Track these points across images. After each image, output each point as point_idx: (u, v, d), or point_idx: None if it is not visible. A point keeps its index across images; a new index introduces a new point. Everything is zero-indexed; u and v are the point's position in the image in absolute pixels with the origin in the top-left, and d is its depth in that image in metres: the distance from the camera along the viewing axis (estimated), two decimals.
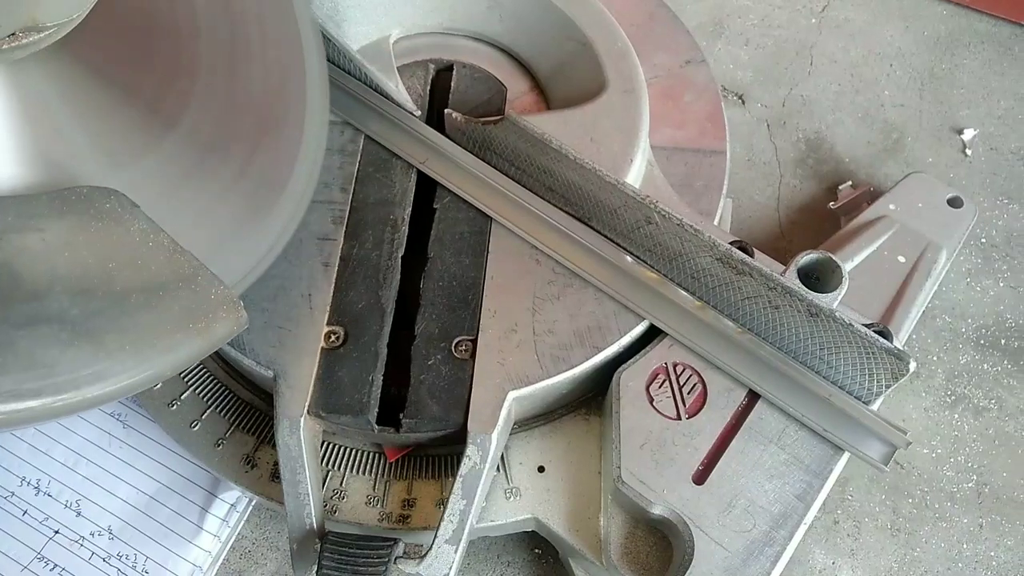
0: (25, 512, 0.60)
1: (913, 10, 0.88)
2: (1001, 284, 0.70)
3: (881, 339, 0.46)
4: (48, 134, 0.40)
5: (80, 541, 0.59)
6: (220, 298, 0.41)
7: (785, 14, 0.88)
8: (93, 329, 0.35)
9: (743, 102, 0.81)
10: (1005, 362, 0.67)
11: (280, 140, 0.51)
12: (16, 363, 0.32)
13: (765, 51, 0.85)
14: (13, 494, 0.61)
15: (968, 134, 0.79)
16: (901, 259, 0.64)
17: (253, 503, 0.60)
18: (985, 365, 0.66)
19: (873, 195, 0.72)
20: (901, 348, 0.46)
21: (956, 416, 0.64)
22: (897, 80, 0.83)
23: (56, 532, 0.59)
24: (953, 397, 0.65)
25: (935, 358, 0.67)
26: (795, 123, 0.80)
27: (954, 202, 0.68)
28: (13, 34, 0.34)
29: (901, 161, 0.77)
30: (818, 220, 0.74)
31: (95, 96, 0.44)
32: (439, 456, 0.55)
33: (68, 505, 0.60)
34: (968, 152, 0.78)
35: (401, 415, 0.51)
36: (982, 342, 0.67)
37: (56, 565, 0.58)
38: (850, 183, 0.74)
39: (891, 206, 0.68)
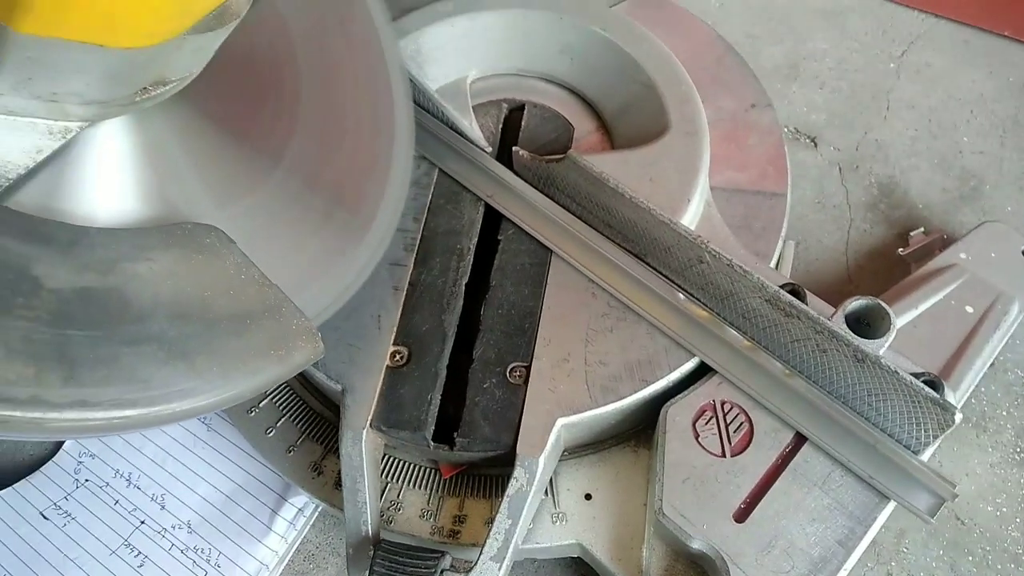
0: (116, 502, 0.66)
1: (997, 55, 0.86)
2: None
3: (927, 388, 0.46)
4: (165, 174, 0.45)
5: (162, 532, 0.64)
6: (300, 328, 0.45)
7: (863, 58, 0.88)
8: (187, 350, 0.39)
9: (815, 145, 0.81)
10: None
11: (370, 177, 0.56)
12: (119, 376, 0.36)
13: (840, 94, 0.85)
14: (108, 484, 0.67)
15: None
16: (969, 309, 0.63)
17: (319, 509, 0.64)
18: None
19: (945, 242, 0.71)
20: (946, 400, 0.46)
21: None
22: (977, 126, 0.81)
23: (142, 522, 0.65)
24: (1022, 455, 0.63)
25: (1004, 413, 0.65)
26: (868, 167, 0.80)
27: None
28: (145, 88, 0.39)
29: (978, 209, 0.76)
30: (887, 266, 0.73)
31: (209, 138, 0.49)
32: (491, 476, 0.57)
33: (154, 498, 0.66)
34: None
35: (455, 434, 0.54)
36: None
37: (140, 552, 0.64)
38: (922, 229, 0.73)
39: (962, 255, 0.67)
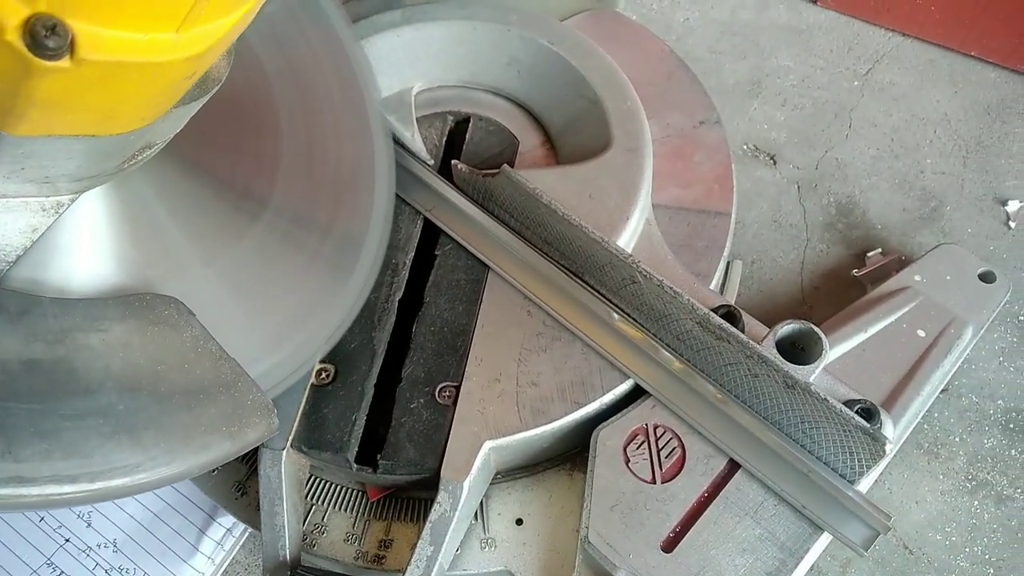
0: (42, 519, 0.64)
1: (963, 75, 0.85)
2: None
3: (857, 418, 0.44)
4: (145, 235, 0.44)
5: (87, 551, 0.62)
6: (255, 404, 0.43)
7: (827, 75, 0.86)
8: (134, 425, 0.38)
9: (774, 162, 0.80)
10: None
11: (356, 205, 0.55)
12: (59, 451, 0.35)
13: (802, 112, 0.84)
14: None
15: (1013, 206, 0.75)
16: (921, 333, 0.61)
17: (248, 531, 0.62)
18: (1013, 451, 0.62)
19: (903, 264, 0.69)
20: (877, 429, 0.44)
21: (976, 503, 0.60)
22: (940, 147, 0.80)
23: (67, 540, 0.63)
24: (974, 482, 0.61)
25: (957, 439, 0.63)
26: (827, 186, 0.78)
27: (986, 277, 0.65)
28: (132, 156, 0.38)
29: (937, 231, 0.74)
30: (843, 287, 0.71)
31: (192, 188, 0.48)
32: (420, 499, 0.55)
33: (80, 516, 0.64)
34: (1012, 224, 0.74)
35: (379, 456, 0.52)
36: (1011, 426, 0.63)
37: (63, 572, 0.62)
38: (880, 250, 0.72)
39: (917, 277, 0.65)
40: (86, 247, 0.41)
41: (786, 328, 0.48)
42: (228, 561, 0.62)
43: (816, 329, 0.48)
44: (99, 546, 0.62)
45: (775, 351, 0.47)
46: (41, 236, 0.37)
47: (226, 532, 0.62)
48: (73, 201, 0.37)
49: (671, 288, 0.49)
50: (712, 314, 0.48)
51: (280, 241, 0.50)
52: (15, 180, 0.34)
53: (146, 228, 0.44)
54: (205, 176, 0.48)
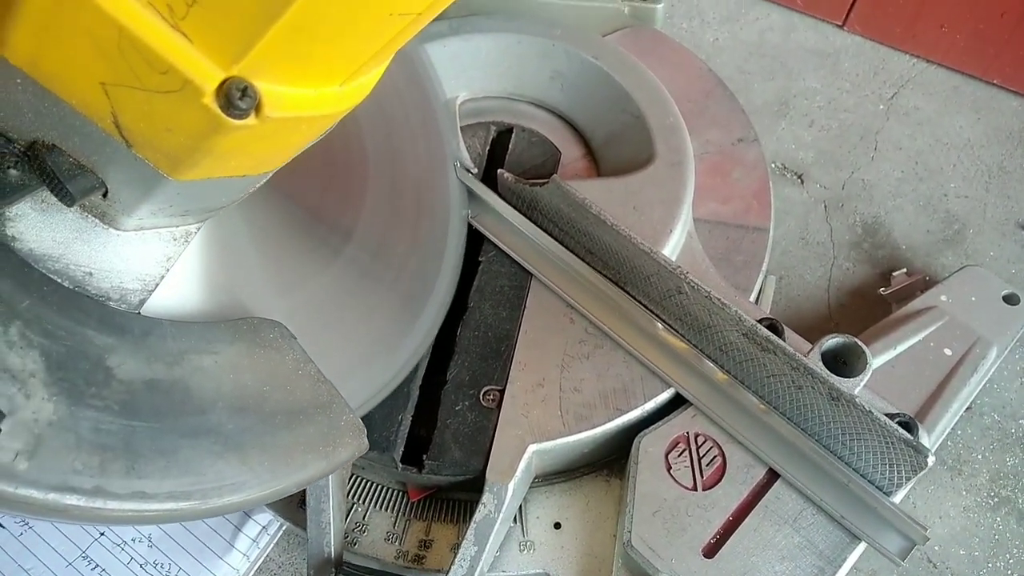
0: None
1: (986, 102, 0.87)
2: None
3: (901, 430, 0.46)
4: (231, 264, 0.46)
5: (122, 545, 0.63)
6: (348, 425, 0.45)
7: (853, 98, 0.88)
8: (242, 444, 0.39)
9: (802, 181, 0.82)
10: None
11: (432, 237, 0.57)
12: (177, 468, 0.37)
13: (829, 133, 0.86)
14: None
15: None
16: (948, 352, 0.63)
17: (283, 528, 0.63)
18: None
19: (927, 284, 0.71)
20: (919, 442, 0.46)
21: (999, 519, 0.62)
22: (963, 171, 0.82)
23: (102, 534, 0.63)
24: (997, 499, 0.62)
25: (980, 457, 0.64)
26: (853, 206, 0.80)
27: (1010, 299, 0.67)
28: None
29: (961, 253, 0.76)
30: (868, 305, 0.73)
31: (282, 220, 0.49)
32: (460, 501, 0.56)
33: None
34: None
35: (425, 456, 0.53)
36: None
37: (97, 565, 0.62)
38: (904, 270, 0.74)
39: (943, 297, 0.67)
40: (179, 273, 0.42)
41: (831, 342, 0.50)
42: (263, 559, 0.62)
43: (860, 343, 0.49)
44: (134, 540, 0.63)
45: (820, 363, 0.48)
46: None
47: (261, 530, 0.63)
48: (199, 229, 0.39)
49: (719, 299, 0.50)
50: (759, 326, 0.49)
51: (360, 275, 0.52)
52: (159, 215, 0.36)
53: (236, 257, 0.46)
54: (294, 207, 0.50)
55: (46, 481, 0.32)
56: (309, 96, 0.30)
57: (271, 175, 0.38)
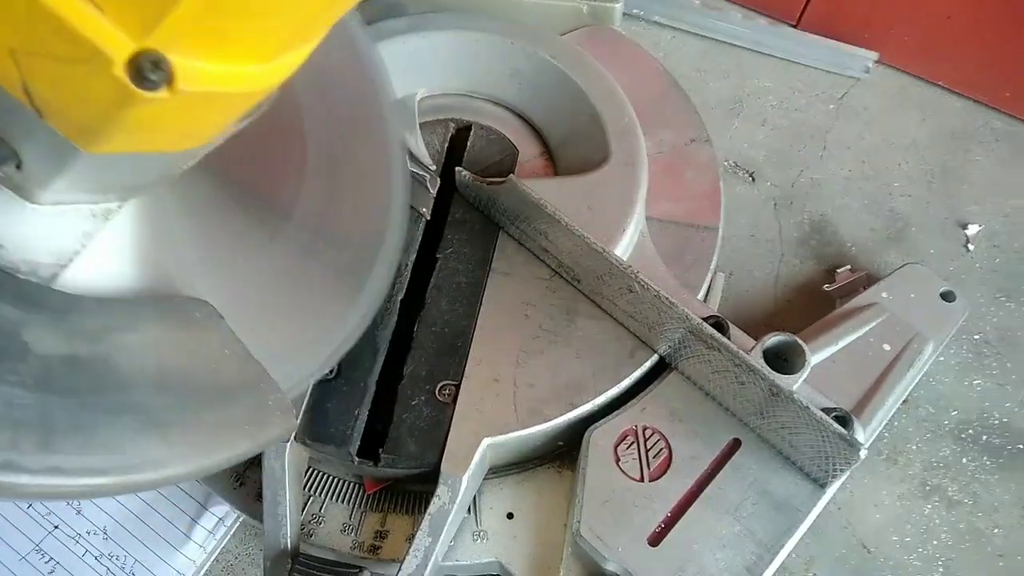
0: (30, 505, 0.64)
1: (931, 103, 0.90)
2: (989, 381, 0.71)
3: (836, 425, 0.48)
4: (165, 241, 0.45)
5: (76, 538, 0.63)
6: (276, 404, 0.45)
7: (804, 98, 0.91)
8: (163, 422, 0.39)
9: (753, 179, 0.84)
10: (984, 458, 0.67)
11: (375, 212, 0.56)
12: (95, 444, 0.36)
13: (780, 132, 0.88)
14: None
15: (972, 229, 0.80)
16: (886, 347, 0.66)
17: (240, 520, 0.63)
18: (964, 459, 0.67)
19: (870, 281, 0.74)
20: (853, 436, 0.48)
21: (929, 507, 0.65)
22: (908, 171, 0.85)
23: (56, 527, 0.64)
24: (928, 487, 0.66)
25: (914, 447, 0.68)
26: (802, 204, 0.82)
27: (947, 296, 0.69)
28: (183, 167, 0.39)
29: (903, 251, 0.79)
30: (814, 301, 0.75)
31: (216, 199, 0.49)
32: (415, 492, 0.58)
33: (70, 503, 0.64)
34: (971, 247, 0.79)
35: (381, 450, 0.54)
36: (963, 436, 0.68)
37: (52, 559, 0.62)
38: (849, 267, 0.76)
39: (884, 294, 0.70)
40: (108, 249, 0.42)
41: (773, 340, 0.52)
42: (219, 550, 0.63)
43: (800, 342, 0.51)
44: (89, 533, 0.63)
45: (762, 360, 0.51)
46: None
47: (218, 521, 0.63)
48: (121, 207, 0.39)
49: (667, 298, 0.52)
50: (705, 324, 0.51)
51: (297, 254, 0.52)
52: (76, 191, 0.35)
53: (167, 234, 0.45)
54: (231, 186, 0.49)
55: None
56: (228, 72, 0.30)
57: (200, 155, 0.38)
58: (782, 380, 0.50)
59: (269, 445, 0.46)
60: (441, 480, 0.52)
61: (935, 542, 0.63)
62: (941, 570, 0.62)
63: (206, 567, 0.62)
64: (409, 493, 0.58)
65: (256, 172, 0.51)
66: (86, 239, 0.38)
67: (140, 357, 0.39)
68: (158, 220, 0.44)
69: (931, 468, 0.67)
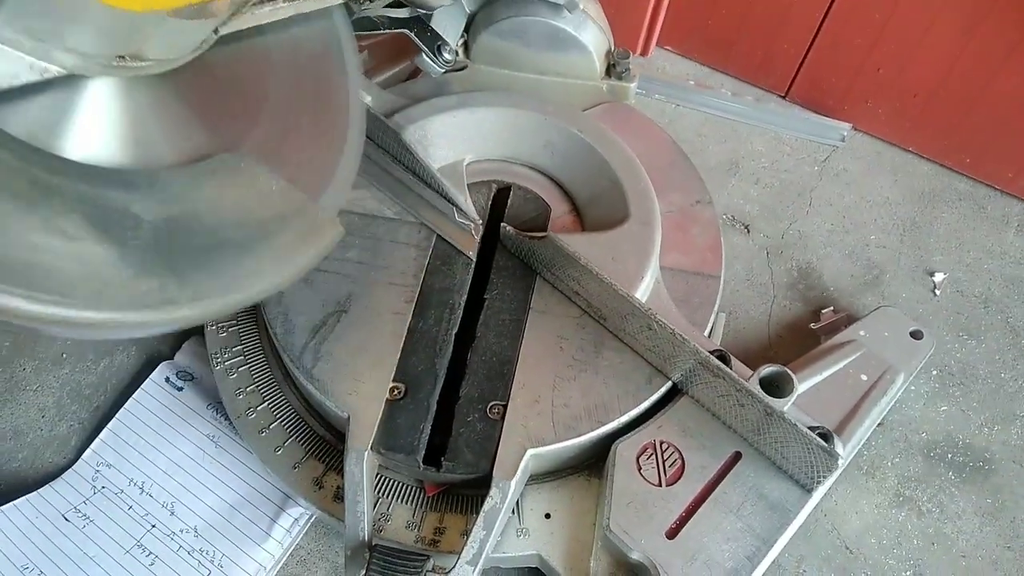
0: (130, 507, 0.75)
1: (903, 167, 1.04)
2: (953, 407, 0.83)
3: (819, 439, 0.59)
4: (140, 134, 0.54)
5: (171, 535, 0.73)
6: (325, 219, 0.57)
7: (792, 160, 1.04)
8: (251, 248, 0.52)
9: (748, 231, 0.96)
10: (950, 474, 0.78)
11: (325, 164, 0.64)
12: (215, 274, 0.49)
13: (772, 190, 1.01)
14: (123, 491, 0.76)
15: (939, 277, 0.93)
16: (863, 377, 0.77)
17: (312, 519, 0.74)
18: (931, 475, 0.78)
19: (850, 320, 0.85)
20: (833, 448, 0.59)
21: (903, 515, 0.76)
22: (883, 225, 0.98)
23: (153, 526, 0.74)
24: (901, 498, 0.77)
25: (889, 463, 0.79)
26: (791, 253, 0.95)
27: (916, 334, 0.81)
28: (122, 56, 0.48)
29: (878, 294, 0.91)
30: (802, 337, 0.87)
31: (181, 116, 0.57)
32: (468, 495, 0.68)
33: (164, 505, 0.75)
34: (937, 292, 0.92)
35: (442, 458, 0.65)
36: (931, 454, 0.79)
37: (151, 552, 0.72)
38: (832, 308, 0.88)
39: (861, 332, 0.81)
40: (96, 127, 0.51)
41: (767, 370, 0.63)
42: (294, 546, 0.73)
43: (789, 372, 0.63)
44: (182, 531, 0.73)
45: (759, 387, 0.62)
46: (58, 110, 0.47)
47: (293, 521, 0.74)
48: (60, 78, 0.45)
49: (680, 335, 0.63)
50: (711, 357, 0.63)
51: (279, 138, 0.61)
52: (15, 27, 0.42)
53: (141, 131, 0.54)
54: (195, 112, 0.57)
55: (127, 304, 0.44)
56: None
57: (136, 47, 0.46)
58: (775, 403, 0.61)
59: (329, 251, 0.57)
60: (493, 484, 0.63)
61: (907, 545, 0.74)
62: (912, 570, 0.73)
63: (283, 561, 0.72)
64: (462, 496, 0.68)
65: (217, 110, 0.59)
66: (14, 80, 0.44)
67: (215, 205, 0.52)
68: (136, 113, 0.53)
69: (904, 481, 0.78)
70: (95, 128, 0.51)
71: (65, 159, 0.47)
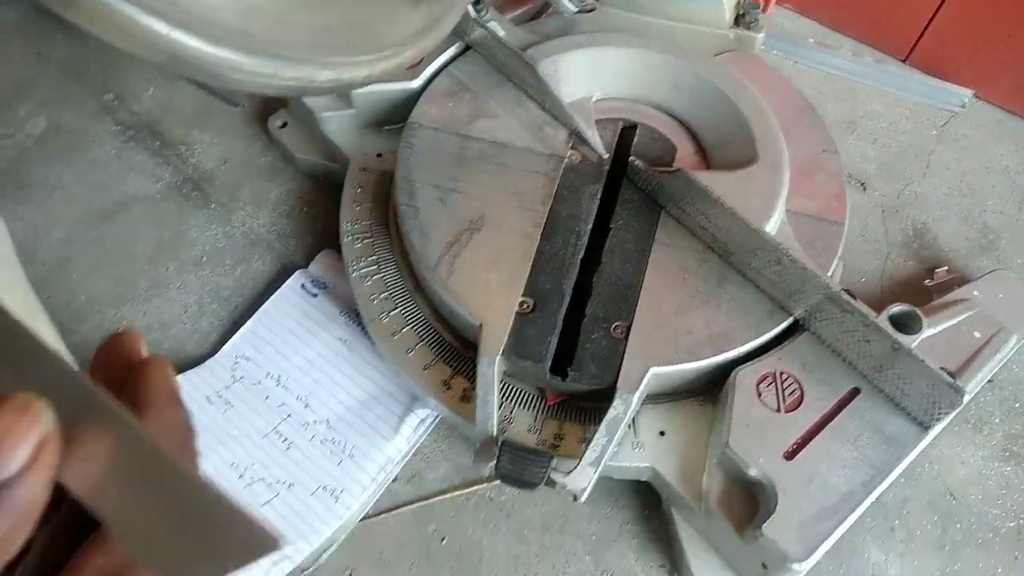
0: (267, 397, 0.81)
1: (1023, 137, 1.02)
2: None
3: (946, 375, 0.61)
4: None
5: (306, 425, 0.79)
6: None
7: (910, 123, 1.03)
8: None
9: (864, 188, 0.97)
10: None
11: None
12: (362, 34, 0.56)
13: (889, 150, 1.01)
14: (260, 382, 0.82)
15: None
16: (976, 335, 0.78)
17: (436, 420, 0.79)
18: None
19: (963, 281, 0.86)
20: (958, 384, 0.61)
21: (1008, 468, 0.77)
22: (1001, 192, 0.97)
23: (288, 416, 0.80)
24: (1008, 453, 0.78)
25: (997, 420, 0.80)
26: (907, 212, 0.95)
27: None
28: None
29: (993, 259, 0.91)
30: (913, 293, 0.88)
31: None
32: (586, 408, 0.72)
33: (299, 398, 0.81)
34: None
35: (568, 368, 0.69)
36: None
37: (287, 438, 0.79)
38: (946, 268, 0.89)
39: (975, 292, 0.82)
40: None
41: (896, 309, 0.65)
42: (418, 445, 0.78)
43: (918, 311, 0.65)
44: (315, 422, 0.79)
45: (888, 323, 0.64)
46: None
47: (420, 421, 0.79)
48: None
49: (812, 270, 0.66)
50: (843, 291, 0.65)
51: None
52: None
53: None
54: None
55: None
56: None
57: None
58: (904, 339, 0.63)
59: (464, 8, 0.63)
60: (617, 395, 0.67)
61: (1014, 497, 0.75)
62: (1016, 521, 0.74)
63: (408, 456, 0.78)
64: (580, 407, 0.72)
65: None
66: None
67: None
68: None
69: (1011, 438, 0.79)
70: None
71: None
